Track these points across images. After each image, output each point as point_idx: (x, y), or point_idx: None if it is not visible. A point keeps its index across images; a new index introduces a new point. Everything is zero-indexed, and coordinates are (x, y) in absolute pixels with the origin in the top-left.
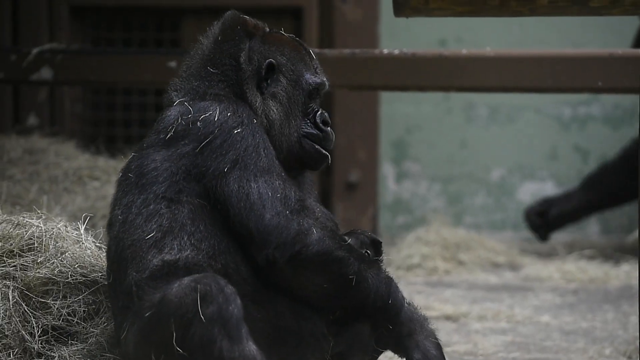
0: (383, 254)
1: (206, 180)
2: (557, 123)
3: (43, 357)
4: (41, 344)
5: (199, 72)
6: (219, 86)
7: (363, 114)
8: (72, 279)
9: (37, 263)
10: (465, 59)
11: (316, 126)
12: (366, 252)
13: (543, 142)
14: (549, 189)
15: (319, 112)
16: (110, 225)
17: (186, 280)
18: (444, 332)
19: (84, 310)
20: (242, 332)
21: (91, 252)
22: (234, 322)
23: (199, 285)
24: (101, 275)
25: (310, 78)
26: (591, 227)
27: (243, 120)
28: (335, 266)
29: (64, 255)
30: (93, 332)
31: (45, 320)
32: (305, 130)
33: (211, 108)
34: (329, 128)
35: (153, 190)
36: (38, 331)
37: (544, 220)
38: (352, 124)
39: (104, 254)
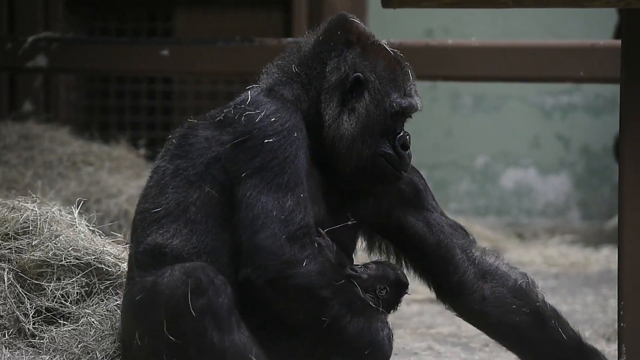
0: (401, 299)
1: (231, 176)
2: (540, 112)
3: (37, 338)
4: (35, 324)
5: (285, 66)
6: (292, 86)
7: None
8: (66, 262)
9: (32, 246)
10: (451, 49)
11: (394, 148)
12: (384, 288)
13: (526, 131)
14: (532, 176)
15: (400, 135)
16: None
17: (177, 270)
18: (428, 315)
19: (77, 292)
20: (232, 321)
21: (84, 236)
22: (224, 312)
23: (190, 279)
24: (94, 258)
25: (396, 100)
26: (572, 213)
27: (283, 130)
28: (312, 304)
29: (58, 239)
30: (85, 313)
31: (39, 302)
32: (382, 149)
33: (262, 107)
34: (407, 151)
35: (179, 162)
36: (32, 312)
37: None
38: None
39: (97, 238)
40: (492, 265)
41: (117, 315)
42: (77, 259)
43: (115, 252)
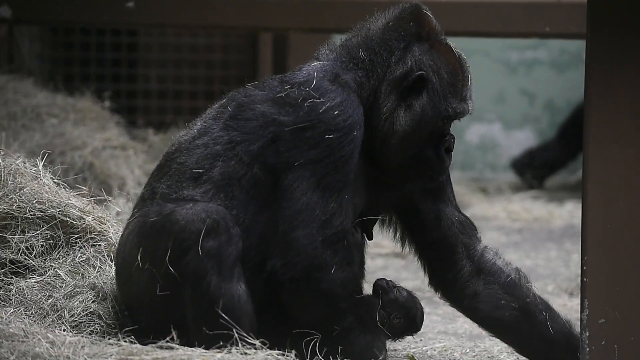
0: (405, 337)
1: (282, 159)
2: (504, 67)
3: (2, 290)
4: None
5: (352, 49)
6: (357, 73)
7: None
8: (30, 215)
9: None
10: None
11: (437, 151)
12: (400, 318)
13: (491, 86)
14: (496, 131)
15: (446, 138)
16: (188, 127)
17: (199, 206)
18: (393, 269)
19: (41, 245)
20: (235, 272)
21: (49, 189)
22: (230, 261)
23: (208, 219)
24: (59, 211)
25: (452, 105)
26: None
27: (345, 127)
28: (329, 311)
29: (22, 191)
30: (51, 265)
31: (3, 254)
32: (426, 152)
33: (327, 96)
34: (449, 154)
35: (234, 135)
36: None
37: (532, 171)
38: None
39: (62, 190)
40: (489, 261)
41: (85, 269)
42: (41, 212)
43: (80, 205)
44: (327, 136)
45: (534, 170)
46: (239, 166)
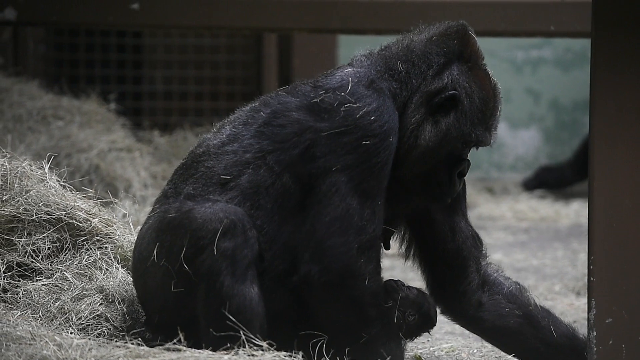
0: (422, 333)
1: (319, 164)
2: (510, 66)
3: (9, 293)
4: (6, 279)
5: (390, 59)
6: (392, 84)
7: (321, 57)
8: (37, 217)
9: (2, 201)
10: (422, 4)
11: (450, 173)
12: (414, 315)
13: None
14: (502, 130)
15: (462, 162)
16: (214, 132)
17: (218, 206)
18: (399, 270)
19: (48, 248)
20: (248, 274)
21: (55, 191)
22: (244, 263)
23: (225, 219)
24: (65, 213)
25: (476, 131)
26: None
27: (381, 133)
28: (359, 318)
29: (28, 194)
30: (58, 268)
31: (10, 257)
32: (438, 172)
33: (363, 101)
34: (461, 179)
35: (265, 143)
36: (3, 267)
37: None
38: (311, 67)
39: (68, 193)
40: (492, 275)
41: (92, 271)
42: (48, 214)
43: (86, 208)
44: (364, 142)
45: (546, 190)
46: (268, 175)
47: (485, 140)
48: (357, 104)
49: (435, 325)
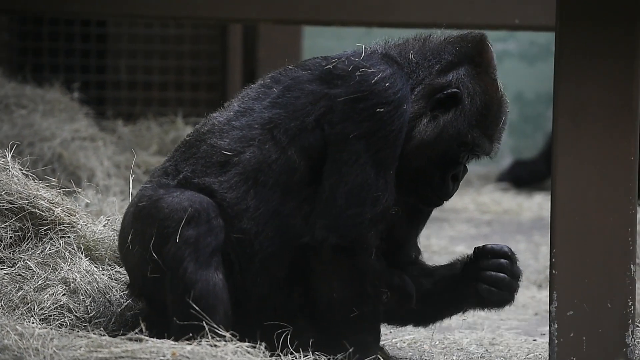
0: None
1: (333, 132)
2: None
3: None
4: None
5: (404, 49)
6: (402, 68)
7: (287, 48)
8: None
9: None
10: None
11: (443, 175)
12: (385, 292)
13: None
14: None
15: (457, 167)
16: (221, 109)
17: (185, 195)
18: None
19: (10, 237)
20: (212, 261)
21: (18, 180)
22: (208, 250)
23: (190, 208)
24: (28, 202)
25: (473, 133)
26: (505, 160)
27: (395, 100)
28: (355, 291)
29: None
30: (21, 257)
31: None
32: (432, 171)
33: (377, 67)
34: (455, 183)
35: (276, 113)
36: None
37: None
38: (276, 57)
39: (31, 182)
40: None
41: (56, 261)
42: (10, 203)
43: (49, 197)
44: (378, 110)
45: (521, 185)
46: (273, 149)
47: (483, 145)
48: (372, 70)
49: (413, 297)
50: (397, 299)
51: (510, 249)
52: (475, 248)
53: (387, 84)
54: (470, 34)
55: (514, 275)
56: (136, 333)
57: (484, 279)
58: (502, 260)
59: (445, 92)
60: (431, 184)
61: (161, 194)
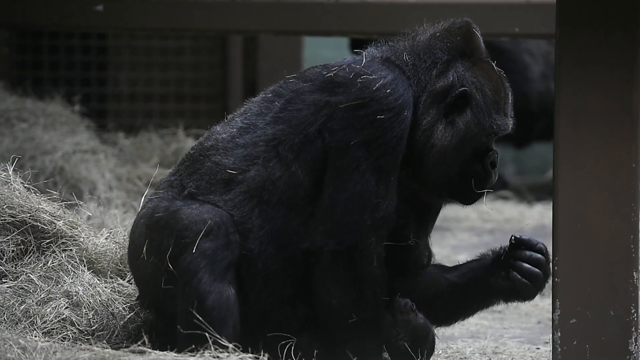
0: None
1: (334, 139)
2: None
3: None
4: None
5: (397, 49)
6: (404, 72)
7: (287, 59)
8: (1, 220)
9: None
10: (387, 6)
11: (484, 166)
12: (404, 339)
13: None
14: None
15: (491, 152)
16: (224, 124)
17: (204, 208)
18: None
19: (12, 250)
20: (226, 275)
21: (19, 193)
22: (224, 264)
23: (210, 220)
24: (29, 216)
25: (497, 121)
26: (506, 168)
27: (396, 107)
28: (354, 297)
29: None
30: (23, 271)
31: None
32: (473, 167)
33: (378, 73)
34: (495, 169)
35: (279, 129)
36: None
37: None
38: (276, 68)
39: (32, 195)
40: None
41: (59, 274)
42: (12, 217)
43: (50, 210)
44: (379, 116)
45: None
46: (278, 166)
47: (507, 126)
48: (374, 76)
49: (429, 338)
50: (408, 355)
51: (545, 246)
52: (512, 236)
53: (388, 90)
54: (455, 25)
55: (546, 274)
56: (139, 345)
57: (520, 270)
58: (540, 256)
59: (453, 95)
60: (477, 178)
61: (179, 205)
